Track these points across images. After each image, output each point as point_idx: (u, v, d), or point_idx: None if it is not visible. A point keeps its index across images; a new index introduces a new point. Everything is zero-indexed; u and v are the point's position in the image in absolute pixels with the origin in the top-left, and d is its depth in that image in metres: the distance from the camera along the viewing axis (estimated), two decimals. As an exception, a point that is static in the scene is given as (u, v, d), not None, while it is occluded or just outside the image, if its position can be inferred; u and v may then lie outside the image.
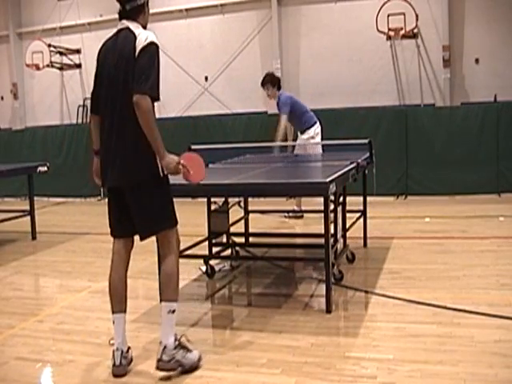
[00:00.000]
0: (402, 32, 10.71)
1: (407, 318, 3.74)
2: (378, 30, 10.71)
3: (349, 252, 5.20)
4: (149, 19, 3.19)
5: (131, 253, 3.35)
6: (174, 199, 3.24)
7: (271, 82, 7.30)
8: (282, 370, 3.06)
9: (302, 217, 7.55)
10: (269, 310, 4.04)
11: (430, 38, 11.38)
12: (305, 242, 5.67)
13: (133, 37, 2.98)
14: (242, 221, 5.77)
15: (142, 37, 2.95)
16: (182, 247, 4.43)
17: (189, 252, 4.64)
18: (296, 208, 7.59)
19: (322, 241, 3.96)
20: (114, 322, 3.18)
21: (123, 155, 3.02)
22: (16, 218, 7.03)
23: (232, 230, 5.32)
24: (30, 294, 4.94)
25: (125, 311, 3.22)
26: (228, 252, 5.28)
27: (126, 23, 3.08)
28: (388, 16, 10.64)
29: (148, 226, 3.15)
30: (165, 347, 3.03)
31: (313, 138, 7.39)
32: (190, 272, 5.05)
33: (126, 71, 2.93)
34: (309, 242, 5.54)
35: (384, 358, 3.12)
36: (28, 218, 7.08)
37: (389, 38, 11.06)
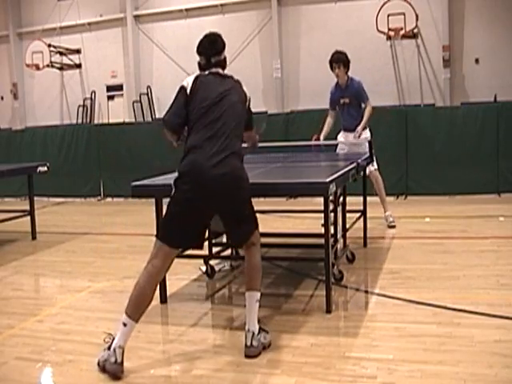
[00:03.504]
0: (402, 32, 10.73)
1: (407, 318, 3.74)
2: (378, 30, 10.73)
3: (349, 252, 5.20)
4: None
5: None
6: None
7: (343, 61, 6.49)
8: (282, 370, 3.06)
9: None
10: (269, 309, 4.03)
11: (429, 38, 11.39)
12: (305, 242, 5.66)
13: (239, 85, 3.52)
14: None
15: (246, 90, 3.55)
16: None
17: (189, 252, 4.63)
18: (388, 214, 6.77)
19: (322, 241, 3.96)
20: (125, 325, 3.12)
21: (236, 164, 3.30)
22: (16, 218, 7.03)
23: (232, 229, 5.31)
24: (29, 293, 4.93)
25: (138, 321, 3.19)
26: (228, 252, 5.28)
27: (220, 70, 3.51)
28: (388, 16, 10.65)
29: (248, 230, 3.40)
30: (253, 334, 3.24)
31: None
32: (190, 272, 5.05)
33: (242, 107, 3.47)
34: (309, 242, 5.53)
35: (384, 358, 3.12)
36: (28, 218, 7.07)
37: (389, 37, 11.08)
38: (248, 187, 3.38)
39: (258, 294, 3.36)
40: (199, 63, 3.53)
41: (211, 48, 3.49)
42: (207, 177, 3.17)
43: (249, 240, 3.42)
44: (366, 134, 6.59)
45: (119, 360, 3.05)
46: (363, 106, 6.62)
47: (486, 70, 11.06)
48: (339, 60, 6.51)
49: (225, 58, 3.56)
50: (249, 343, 3.22)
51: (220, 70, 3.50)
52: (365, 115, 6.52)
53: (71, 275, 5.34)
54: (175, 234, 3.26)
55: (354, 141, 6.45)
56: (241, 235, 3.44)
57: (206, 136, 3.25)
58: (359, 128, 6.45)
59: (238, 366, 3.15)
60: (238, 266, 5.36)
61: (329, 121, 6.80)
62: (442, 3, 11.12)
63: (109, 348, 3.09)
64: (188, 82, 3.39)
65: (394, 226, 6.70)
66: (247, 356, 3.21)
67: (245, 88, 3.52)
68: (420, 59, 11.58)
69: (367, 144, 6.00)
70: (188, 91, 3.36)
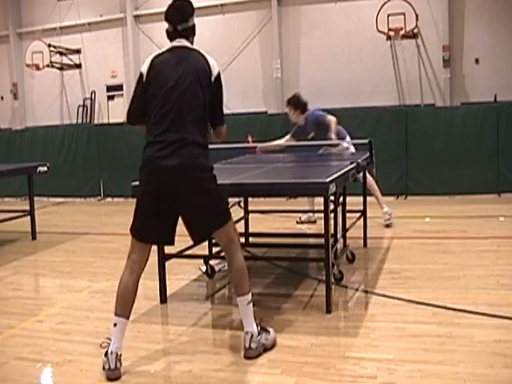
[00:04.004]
0: (402, 32, 10.73)
1: (407, 318, 3.74)
2: (377, 30, 10.73)
3: (349, 252, 5.20)
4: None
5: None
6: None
7: (294, 104, 6.61)
8: (282, 370, 3.06)
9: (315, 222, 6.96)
10: (269, 310, 4.03)
11: (429, 38, 11.40)
12: (305, 242, 5.66)
13: (202, 57, 3.28)
14: (242, 221, 5.77)
15: (213, 62, 3.29)
16: (181, 247, 4.45)
17: (189, 252, 4.64)
18: (385, 210, 6.75)
19: (322, 241, 3.96)
20: (115, 325, 3.13)
21: (190, 153, 3.12)
22: (16, 218, 7.03)
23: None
24: (29, 293, 4.93)
25: (128, 317, 3.20)
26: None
27: (183, 41, 3.33)
28: (388, 16, 10.66)
29: (214, 224, 3.22)
30: (252, 335, 3.20)
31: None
32: (190, 272, 5.05)
33: (201, 85, 3.20)
34: (309, 242, 5.54)
35: (384, 358, 3.12)
36: (28, 217, 7.07)
37: (389, 37, 11.09)
38: (211, 176, 3.20)
39: (249, 296, 3.27)
40: (167, 30, 3.39)
41: (178, 15, 3.35)
42: (158, 169, 3.10)
43: (214, 234, 3.27)
44: (344, 145, 6.39)
45: (112, 366, 3.03)
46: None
47: (486, 70, 11.06)
48: (289, 103, 6.64)
49: (193, 26, 3.39)
50: (247, 345, 3.20)
51: (184, 42, 3.33)
52: (330, 128, 6.26)
53: (71, 275, 5.34)
54: (143, 229, 3.22)
55: (334, 150, 6.40)
56: (205, 230, 3.28)
57: (159, 130, 3.13)
58: (333, 136, 6.24)
59: (237, 366, 3.15)
60: (237, 265, 5.36)
61: (280, 143, 6.71)
62: (442, 3, 11.12)
63: (106, 354, 3.08)
64: (144, 67, 3.28)
65: (389, 225, 6.67)
66: (246, 358, 3.20)
67: (211, 62, 3.28)
68: (420, 59, 11.58)
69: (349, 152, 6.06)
70: (144, 78, 3.25)
